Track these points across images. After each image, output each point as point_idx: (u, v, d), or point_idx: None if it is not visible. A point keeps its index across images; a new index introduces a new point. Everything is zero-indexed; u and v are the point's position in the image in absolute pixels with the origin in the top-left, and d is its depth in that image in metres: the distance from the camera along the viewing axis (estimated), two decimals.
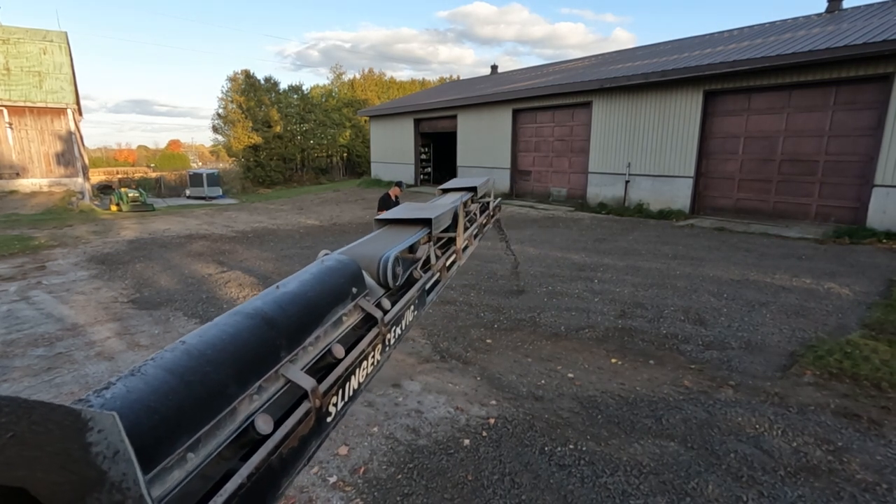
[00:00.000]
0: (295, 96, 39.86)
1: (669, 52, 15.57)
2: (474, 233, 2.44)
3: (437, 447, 3.28)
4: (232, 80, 37.49)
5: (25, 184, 19.02)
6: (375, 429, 3.52)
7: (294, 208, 17.31)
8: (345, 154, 41.81)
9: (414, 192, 20.13)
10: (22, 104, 18.46)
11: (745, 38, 13.90)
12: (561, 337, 5.10)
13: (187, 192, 32.17)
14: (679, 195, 12.85)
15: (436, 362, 4.59)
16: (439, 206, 2.00)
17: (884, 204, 9.55)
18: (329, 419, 0.96)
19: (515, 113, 17.49)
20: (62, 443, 0.42)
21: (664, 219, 12.51)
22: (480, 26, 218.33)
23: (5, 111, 18.31)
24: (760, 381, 4.05)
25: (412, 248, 1.61)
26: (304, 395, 0.87)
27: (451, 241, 2.07)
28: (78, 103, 21.02)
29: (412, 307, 1.48)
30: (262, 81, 37.87)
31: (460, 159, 20.22)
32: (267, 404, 0.81)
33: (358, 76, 49.01)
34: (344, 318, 1.11)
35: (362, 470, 3.09)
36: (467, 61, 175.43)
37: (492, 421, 3.58)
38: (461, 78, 43.21)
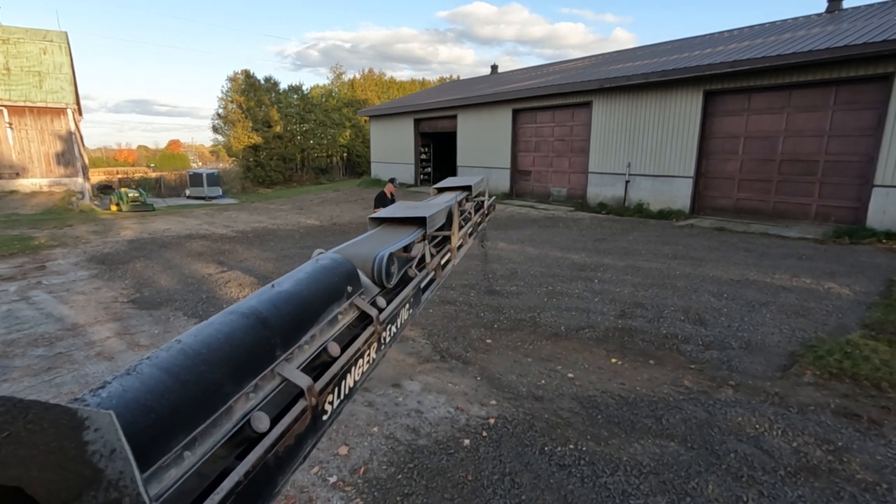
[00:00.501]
0: (295, 96, 39.86)
1: (669, 52, 15.57)
2: (469, 231, 2.44)
3: (437, 447, 3.28)
4: (232, 80, 37.51)
5: (25, 184, 19.02)
6: (375, 429, 3.52)
7: (294, 208, 17.31)
8: (345, 154, 41.82)
9: (414, 191, 20.14)
10: (22, 104, 18.47)
11: (745, 38, 13.89)
12: (561, 337, 5.10)
13: (187, 192, 32.15)
14: (679, 195, 12.84)
15: (436, 362, 4.59)
16: (434, 204, 1.99)
17: (884, 204, 9.55)
18: (325, 417, 0.96)
19: (515, 113, 17.49)
20: (58, 441, 0.42)
21: (664, 219, 12.50)
22: (480, 26, 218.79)
23: (5, 111, 18.31)
24: (760, 381, 4.05)
25: (407, 247, 1.61)
26: (300, 394, 0.87)
27: (446, 239, 2.07)
28: (78, 103, 21.03)
29: (407, 305, 1.48)
30: (262, 81, 37.87)
31: (460, 159, 20.22)
32: (263, 403, 0.81)
33: (358, 76, 49.12)
34: (339, 317, 1.11)
35: (362, 470, 3.09)
36: (467, 61, 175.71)
37: (492, 421, 3.58)
38: (461, 78, 43.24)
